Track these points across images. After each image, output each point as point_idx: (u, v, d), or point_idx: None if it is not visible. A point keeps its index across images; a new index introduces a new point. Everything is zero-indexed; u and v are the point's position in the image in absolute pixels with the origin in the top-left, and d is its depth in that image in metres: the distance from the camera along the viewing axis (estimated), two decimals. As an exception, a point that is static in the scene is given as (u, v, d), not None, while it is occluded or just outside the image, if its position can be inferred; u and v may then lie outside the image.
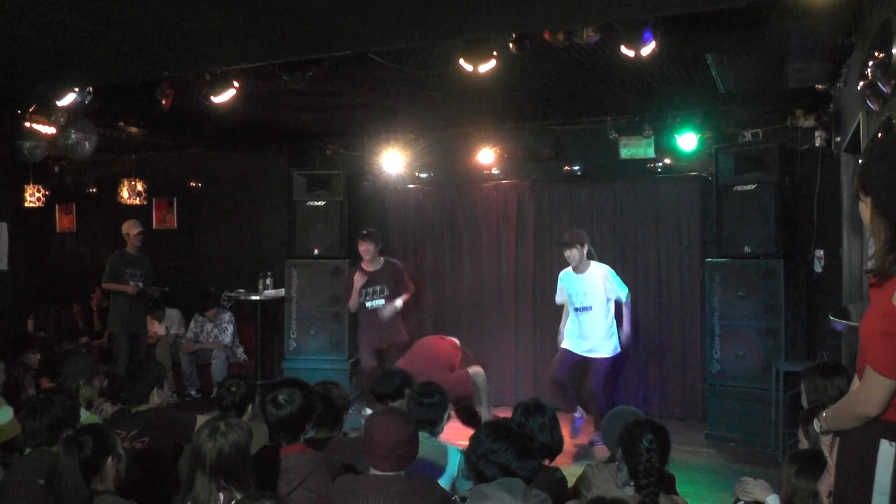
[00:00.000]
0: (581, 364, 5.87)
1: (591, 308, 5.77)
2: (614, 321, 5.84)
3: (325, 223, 7.33)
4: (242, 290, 7.71)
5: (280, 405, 2.94)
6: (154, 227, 8.72)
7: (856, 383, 2.10)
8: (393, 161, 7.39)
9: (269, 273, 7.71)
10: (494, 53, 4.27)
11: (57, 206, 9.51)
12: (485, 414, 5.36)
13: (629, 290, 5.94)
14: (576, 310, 5.84)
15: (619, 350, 5.88)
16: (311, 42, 4.14)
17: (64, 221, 9.65)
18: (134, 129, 6.99)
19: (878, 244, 1.97)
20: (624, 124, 6.69)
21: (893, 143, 2.11)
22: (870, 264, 2.02)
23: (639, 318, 6.89)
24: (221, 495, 2.45)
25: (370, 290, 6.43)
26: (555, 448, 3.16)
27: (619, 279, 5.87)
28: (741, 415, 5.82)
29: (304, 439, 3.10)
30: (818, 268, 5.84)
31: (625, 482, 2.66)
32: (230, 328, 7.78)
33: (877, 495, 1.91)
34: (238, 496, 2.45)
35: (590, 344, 5.80)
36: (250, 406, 3.50)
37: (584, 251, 5.80)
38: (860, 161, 2.22)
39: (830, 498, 2.33)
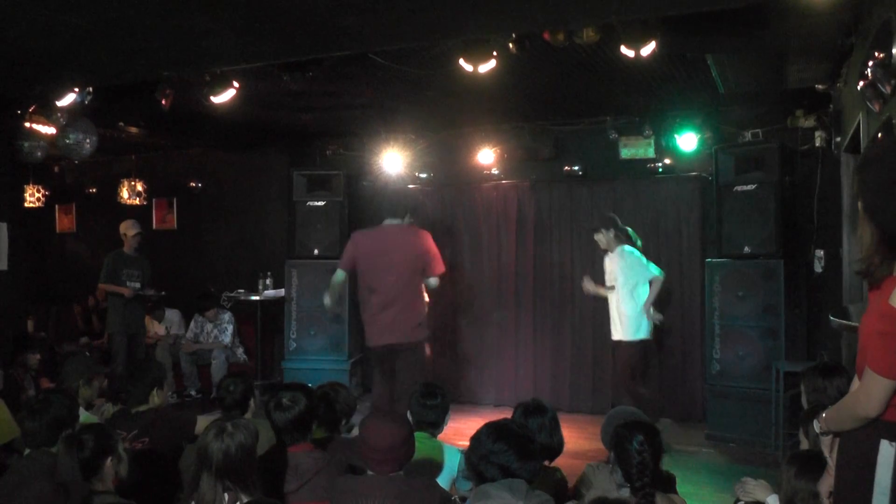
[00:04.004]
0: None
1: (614, 289, 5.79)
2: (640, 309, 5.69)
3: (325, 223, 7.33)
4: (242, 290, 7.71)
5: (286, 407, 2.97)
6: (154, 227, 8.73)
7: (855, 384, 2.10)
8: (393, 161, 7.39)
9: (269, 273, 7.71)
10: (494, 53, 4.28)
11: (57, 206, 9.52)
12: None
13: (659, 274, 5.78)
14: (609, 289, 5.85)
15: (643, 336, 5.70)
16: (311, 42, 4.14)
17: (64, 221, 9.65)
18: (134, 130, 6.99)
19: (865, 245, 1.98)
20: (624, 124, 6.69)
21: (887, 149, 2.12)
22: (856, 266, 2.04)
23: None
24: (226, 496, 2.45)
25: None
26: (555, 448, 3.16)
27: (640, 265, 5.71)
28: (741, 415, 5.82)
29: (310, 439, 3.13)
30: (818, 268, 5.84)
31: (620, 483, 2.66)
32: (230, 328, 7.77)
33: (877, 495, 1.91)
34: (243, 497, 2.45)
35: (615, 326, 5.79)
36: (251, 400, 3.52)
37: (611, 234, 5.78)
38: (858, 162, 2.23)
39: (831, 498, 2.33)
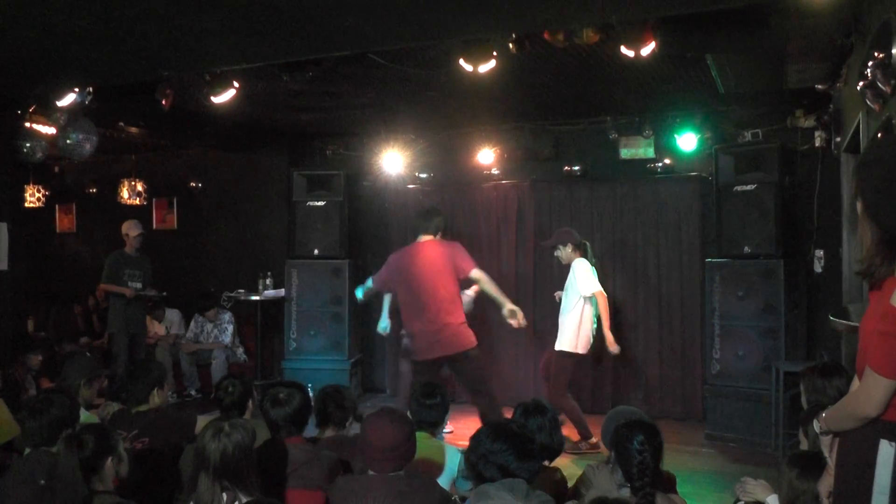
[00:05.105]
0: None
1: (564, 300, 5.74)
2: (589, 323, 5.62)
3: (325, 223, 7.33)
4: (242, 290, 7.71)
5: (281, 402, 3.02)
6: (154, 227, 8.72)
7: (855, 384, 2.10)
8: (393, 161, 7.39)
9: (269, 273, 7.71)
10: (494, 53, 4.28)
11: (57, 206, 9.52)
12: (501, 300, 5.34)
13: (605, 289, 5.71)
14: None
15: (573, 349, 5.58)
16: (311, 42, 4.14)
17: (64, 221, 9.65)
18: (134, 130, 6.99)
19: (866, 246, 1.98)
20: (624, 124, 6.69)
21: (887, 149, 2.11)
22: (856, 266, 2.03)
23: (639, 317, 6.91)
24: (225, 496, 2.45)
25: None
26: (555, 448, 3.16)
27: (587, 277, 5.59)
28: (741, 415, 5.82)
29: (306, 437, 3.15)
30: (818, 268, 5.84)
31: (620, 483, 2.66)
32: (230, 328, 7.78)
33: (877, 495, 1.91)
34: (242, 497, 2.45)
35: (558, 334, 5.70)
36: (250, 402, 3.53)
37: (568, 249, 5.71)
38: (857, 162, 2.23)
39: (830, 498, 2.33)
